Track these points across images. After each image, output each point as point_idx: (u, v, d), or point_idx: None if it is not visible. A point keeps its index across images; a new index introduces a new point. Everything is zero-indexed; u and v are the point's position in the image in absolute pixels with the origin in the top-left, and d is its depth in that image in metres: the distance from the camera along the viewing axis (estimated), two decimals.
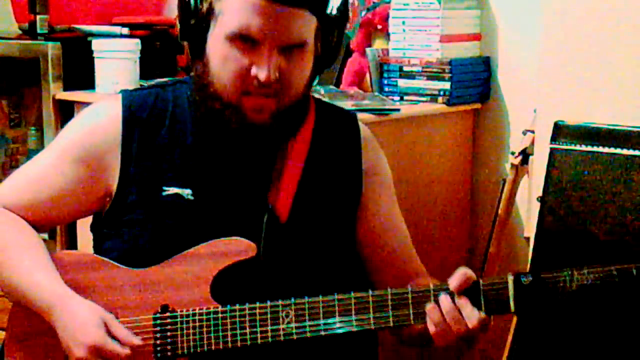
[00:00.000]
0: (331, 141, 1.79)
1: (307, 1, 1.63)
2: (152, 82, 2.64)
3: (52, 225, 1.86)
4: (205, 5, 1.65)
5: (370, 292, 1.58)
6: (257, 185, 1.72)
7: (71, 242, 2.71)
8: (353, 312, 1.58)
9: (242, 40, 1.62)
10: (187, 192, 1.71)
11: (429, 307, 1.55)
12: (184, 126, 1.74)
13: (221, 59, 1.65)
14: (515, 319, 2.16)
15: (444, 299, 1.55)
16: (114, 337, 1.61)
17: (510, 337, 2.18)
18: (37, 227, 1.78)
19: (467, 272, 1.56)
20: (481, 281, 1.54)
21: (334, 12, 1.69)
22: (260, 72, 1.61)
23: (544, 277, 1.49)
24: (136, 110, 1.75)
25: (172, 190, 1.71)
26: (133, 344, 1.61)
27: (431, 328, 1.55)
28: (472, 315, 1.53)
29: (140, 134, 1.73)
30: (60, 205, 1.77)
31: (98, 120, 1.78)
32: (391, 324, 1.57)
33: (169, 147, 1.73)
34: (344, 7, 1.72)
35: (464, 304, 1.53)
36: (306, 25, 1.64)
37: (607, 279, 1.46)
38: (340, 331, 1.58)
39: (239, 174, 1.73)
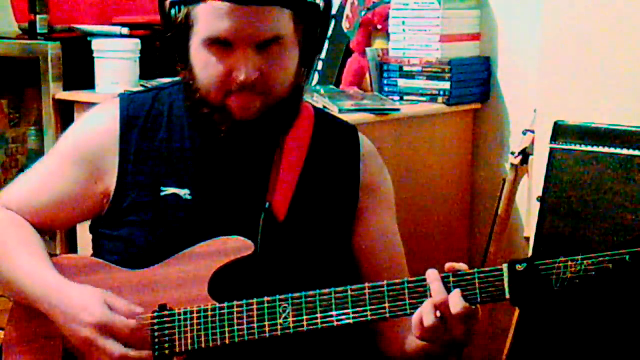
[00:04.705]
0: (330, 150, 1.79)
1: None
2: (154, 82, 2.66)
3: (54, 228, 1.88)
4: (181, 17, 1.67)
5: (367, 285, 1.59)
6: (255, 185, 1.73)
7: (71, 243, 2.72)
8: (350, 304, 1.58)
9: (217, 44, 1.63)
10: (185, 193, 1.71)
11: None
12: (181, 128, 1.75)
13: (202, 66, 1.66)
14: (516, 316, 2.16)
15: (436, 286, 1.54)
16: (117, 313, 1.62)
17: (510, 337, 2.19)
18: (40, 230, 1.79)
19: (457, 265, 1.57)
20: (476, 269, 1.55)
21: (311, 1, 1.69)
22: (239, 74, 1.63)
23: (537, 264, 1.50)
24: (134, 113, 1.76)
25: (170, 190, 1.72)
26: (137, 313, 1.63)
27: (416, 316, 1.55)
28: (457, 302, 1.52)
29: (138, 136, 1.75)
30: (61, 208, 1.78)
31: (96, 124, 1.80)
32: (387, 315, 1.57)
33: (166, 148, 1.74)
34: None
35: (455, 292, 1.53)
36: (278, 20, 1.64)
37: (601, 265, 1.47)
38: (337, 324, 1.58)
39: (236, 174, 1.73)
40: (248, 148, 1.72)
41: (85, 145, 1.78)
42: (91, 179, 1.76)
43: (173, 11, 1.68)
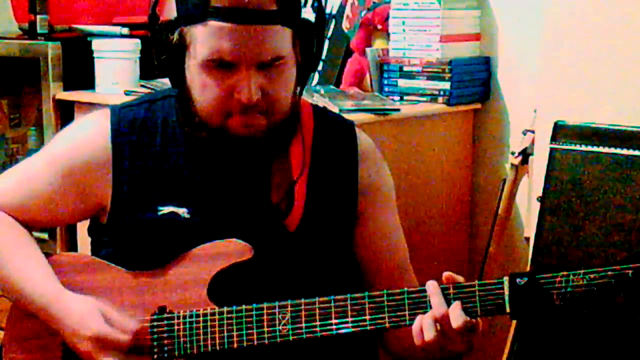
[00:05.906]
0: (330, 152, 1.77)
1: (277, 16, 1.60)
2: (154, 82, 2.66)
3: (40, 226, 1.87)
4: (175, 37, 1.63)
5: (367, 294, 1.58)
6: (256, 197, 1.72)
7: (71, 242, 2.71)
8: (349, 313, 1.58)
9: (217, 65, 1.60)
10: (182, 211, 1.69)
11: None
12: (175, 143, 1.72)
13: (200, 87, 1.63)
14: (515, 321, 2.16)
15: (436, 299, 1.54)
16: (112, 326, 1.63)
17: (510, 338, 2.19)
18: (26, 227, 1.78)
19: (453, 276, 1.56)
20: (477, 282, 1.54)
21: (310, 18, 1.67)
22: (241, 95, 1.60)
23: (539, 279, 1.49)
24: (126, 128, 1.73)
25: (168, 209, 1.70)
26: (132, 330, 1.63)
27: (416, 326, 1.55)
28: (458, 316, 1.51)
29: (132, 152, 1.72)
30: (47, 211, 1.78)
31: (86, 136, 1.76)
32: (387, 325, 1.57)
33: (162, 165, 1.71)
34: (319, 12, 1.70)
35: (455, 305, 1.53)
36: (280, 39, 1.61)
37: (603, 280, 1.46)
38: (336, 332, 1.58)
39: (235, 189, 1.71)
40: (247, 164, 1.71)
41: (73, 158, 1.74)
42: (81, 192, 1.74)
43: (165, 32, 1.64)
